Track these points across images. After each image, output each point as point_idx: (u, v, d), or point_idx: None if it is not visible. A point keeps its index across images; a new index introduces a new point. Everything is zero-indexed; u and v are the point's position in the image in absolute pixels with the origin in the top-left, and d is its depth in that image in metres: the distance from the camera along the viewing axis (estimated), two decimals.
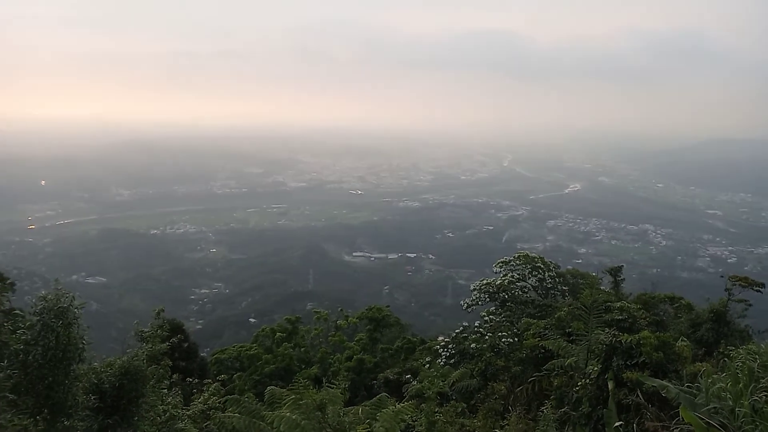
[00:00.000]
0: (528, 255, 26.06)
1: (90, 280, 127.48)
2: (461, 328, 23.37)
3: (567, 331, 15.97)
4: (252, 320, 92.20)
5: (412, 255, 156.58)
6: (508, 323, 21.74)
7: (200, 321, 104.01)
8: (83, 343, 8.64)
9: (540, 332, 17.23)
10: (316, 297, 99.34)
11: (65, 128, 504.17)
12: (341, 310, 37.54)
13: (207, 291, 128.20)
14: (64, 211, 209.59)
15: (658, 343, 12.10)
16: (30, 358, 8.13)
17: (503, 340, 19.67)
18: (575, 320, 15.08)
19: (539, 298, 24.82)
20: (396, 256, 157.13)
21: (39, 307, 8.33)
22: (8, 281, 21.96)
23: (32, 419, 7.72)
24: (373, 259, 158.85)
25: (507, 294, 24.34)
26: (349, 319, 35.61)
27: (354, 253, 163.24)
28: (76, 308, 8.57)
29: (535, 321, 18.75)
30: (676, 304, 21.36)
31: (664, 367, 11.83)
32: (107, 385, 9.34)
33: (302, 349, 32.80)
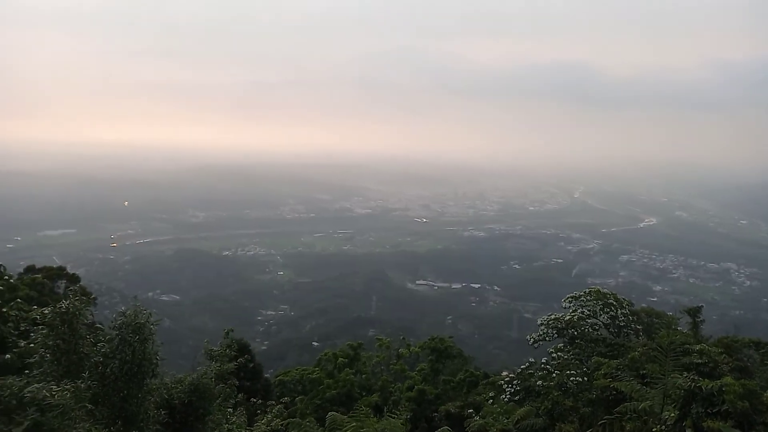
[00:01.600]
0: (599, 290, 25.05)
1: (164, 298, 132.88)
2: (527, 363, 22.59)
3: (641, 372, 15.17)
4: (315, 344, 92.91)
5: (477, 285, 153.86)
6: (577, 361, 20.91)
7: (265, 342, 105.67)
8: (157, 359, 8.95)
9: (612, 373, 16.45)
10: (378, 324, 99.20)
11: (143, 152, 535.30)
12: (403, 338, 37.16)
13: (273, 313, 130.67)
14: (143, 231, 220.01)
15: (744, 391, 11.25)
16: (108, 370, 8.50)
17: (572, 378, 18.90)
18: (650, 362, 14.31)
19: (611, 336, 23.76)
20: (460, 286, 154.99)
21: (118, 322, 8.72)
22: (92, 296, 23.31)
23: (107, 430, 8.02)
24: (436, 287, 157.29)
25: (576, 331, 23.41)
26: (411, 348, 35.23)
27: (417, 282, 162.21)
28: (152, 324, 8.91)
29: (606, 360, 17.93)
30: (763, 350, 19.96)
31: (751, 418, 10.98)
32: (177, 401, 9.62)
33: (363, 376, 32.66)
